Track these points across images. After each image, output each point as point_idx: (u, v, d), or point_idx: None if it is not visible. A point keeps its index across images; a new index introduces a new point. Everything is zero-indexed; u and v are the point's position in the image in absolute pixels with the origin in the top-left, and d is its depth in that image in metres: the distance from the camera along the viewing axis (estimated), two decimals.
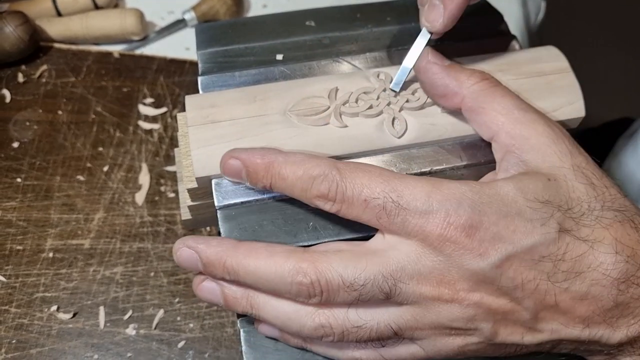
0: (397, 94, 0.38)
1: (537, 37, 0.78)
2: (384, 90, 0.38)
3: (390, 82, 0.38)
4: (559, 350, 0.33)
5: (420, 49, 0.37)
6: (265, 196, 0.36)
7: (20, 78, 0.62)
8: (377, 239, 0.33)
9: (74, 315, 0.49)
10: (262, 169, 0.33)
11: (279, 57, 0.41)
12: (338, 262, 0.31)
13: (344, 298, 0.31)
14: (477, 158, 0.38)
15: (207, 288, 0.35)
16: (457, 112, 0.38)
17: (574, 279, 0.31)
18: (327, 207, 0.32)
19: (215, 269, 0.33)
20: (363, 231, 0.34)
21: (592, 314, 0.31)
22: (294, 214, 0.35)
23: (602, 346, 0.32)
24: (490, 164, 0.37)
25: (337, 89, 0.38)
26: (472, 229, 0.30)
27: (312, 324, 0.32)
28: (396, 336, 0.32)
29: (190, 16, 0.67)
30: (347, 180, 0.32)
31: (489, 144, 0.38)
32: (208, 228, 0.53)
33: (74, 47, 0.65)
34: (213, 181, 0.36)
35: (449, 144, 0.38)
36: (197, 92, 0.40)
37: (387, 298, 0.31)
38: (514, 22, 0.71)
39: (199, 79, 0.41)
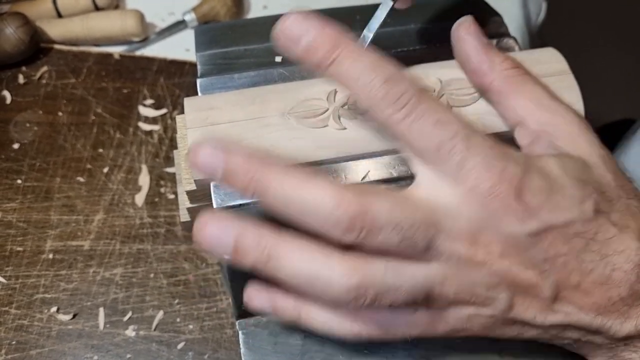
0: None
1: (537, 38, 0.78)
2: None
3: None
4: (561, 339, 0.33)
5: (382, 18, 0.37)
6: None
7: (21, 79, 0.63)
8: (424, 181, 0.31)
9: (74, 316, 0.50)
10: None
11: (278, 59, 0.42)
12: (384, 199, 0.29)
13: (384, 239, 0.29)
14: None
15: (216, 230, 0.30)
16: None
17: (599, 261, 0.31)
18: (401, 102, 0.30)
19: (238, 179, 0.29)
20: None
21: (608, 302, 0.31)
22: None
23: (608, 338, 0.32)
24: None
25: (335, 91, 0.38)
26: (521, 191, 0.30)
27: (345, 283, 0.29)
28: (425, 300, 0.31)
29: (190, 17, 0.67)
30: (424, 96, 0.30)
31: None
32: None
33: (74, 48, 0.65)
34: (212, 183, 0.36)
35: None
36: (197, 93, 0.40)
37: (426, 250, 0.30)
38: (514, 22, 0.71)
39: (198, 81, 0.41)
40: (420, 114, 0.30)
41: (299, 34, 0.31)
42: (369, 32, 0.38)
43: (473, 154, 0.30)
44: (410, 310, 0.31)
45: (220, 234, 0.29)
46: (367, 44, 0.38)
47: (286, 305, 0.33)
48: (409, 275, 0.30)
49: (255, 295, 0.34)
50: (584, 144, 0.34)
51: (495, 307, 0.31)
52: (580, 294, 0.31)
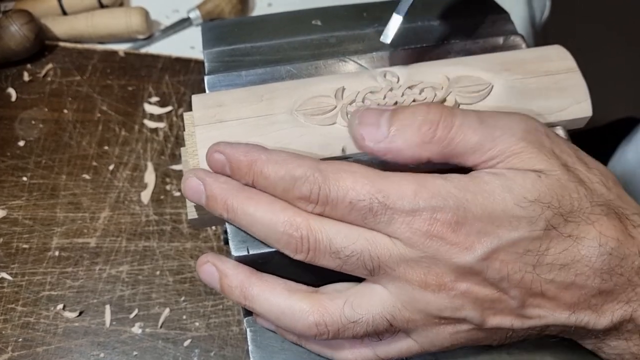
0: (388, 45, 0.38)
1: (542, 35, 0.77)
2: (391, 89, 0.38)
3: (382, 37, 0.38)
4: (550, 334, 0.34)
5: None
6: None
7: (26, 77, 0.63)
8: None
9: (80, 313, 0.50)
10: (244, 166, 0.33)
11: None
12: (330, 227, 0.32)
13: (328, 262, 0.32)
14: None
15: (207, 271, 0.35)
16: None
17: (558, 271, 0.31)
18: (309, 208, 0.32)
19: (217, 204, 0.34)
20: None
21: (578, 300, 0.32)
22: None
23: (590, 331, 0.33)
24: None
25: (343, 89, 0.38)
26: (457, 224, 0.31)
27: (305, 323, 0.33)
28: (392, 328, 0.33)
29: (195, 15, 0.67)
30: (330, 183, 0.32)
31: None
32: (214, 228, 0.53)
33: (79, 45, 0.65)
34: None
35: None
36: (202, 90, 0.40)
37: (371, 275, 0.32)
38: (519, 20, 0.71)
39: (205, 78, 0.41)
40: (333, 203, 0.32)
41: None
42: (401, 14, 0.37)
43: (398, 209, 0.31)
44: (388, 336, 0.33)
45: (209, 280, 0.35)
46: (396, 29, 0.38)
47: (291, 337, 0.36)
48: (365, 308, 0.32)
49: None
50: (540, 159, 0.32)
51: (470, 323, 0.32)
52: (546, 300, 0.32)
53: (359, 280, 0.34)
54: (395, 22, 0.38)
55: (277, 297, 0.33)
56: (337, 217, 0.32)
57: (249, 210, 0.33)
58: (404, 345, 0.34)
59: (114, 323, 0.49)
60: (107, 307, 0.50)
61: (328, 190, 0.31)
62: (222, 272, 0.34)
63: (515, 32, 0.44)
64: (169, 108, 0.61)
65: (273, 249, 0.34)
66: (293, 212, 0.32)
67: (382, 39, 0.38)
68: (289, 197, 0.33)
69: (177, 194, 0.56)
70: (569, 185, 0.32)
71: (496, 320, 0.32)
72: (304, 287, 0.34)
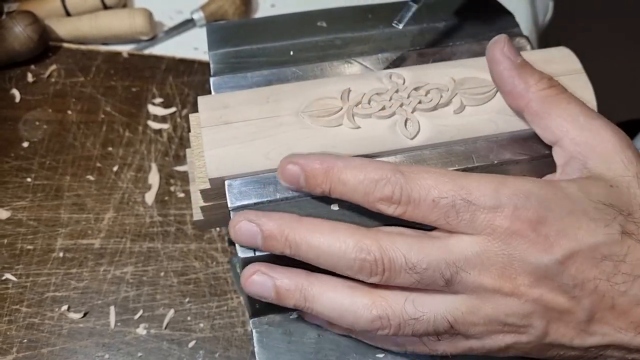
0: (398, 26, 0.38)
1: (544, 37, 0.77)
2: (397, 91, 0.38)
3: (397, 20, 0.39)
4: (603, 358, 0.33)
5: None
6: (277, 197, 0.36)
7: (30, 78, 0.63)
8: (441, 230, 0.33)
9: (85, 314, 0.50)
10: (321, 174, 0.33)
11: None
12: (402, 243, 0.31)
13: (405, 279, 0.31)
14: (489, 160, 0.38)
15: (257, 281, 0.34)
16: (467, 114, 0.38)
17: (632, 282, 0.31)
18: (390, 210, 0.32)
19: (277, 242, 0.33)
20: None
21: None
22: (307, 214, 0.35)
23: None
24: (501, 166, 0.37)
25: (349, 90, 0.38)
26: (539, 224, 0.31)
27: (369, 316, 0.32)
28: (451, 330, 0.32)
29: (198, 16, 0.67)
30: (412, 182, 0.32)
31: (500, 146, 0.38)
32: (218, 229, 0.53)
33: (83, 46, 0.65)
34: (226, 182, 0.36)
35: (460, 145, 0.38)
36: (206, 92, 0.40)
37: (447, 285, 0.31)
38: (522, 21, 0.70)
39: (211, 79, 0.41)
40: (415, 203, 0.32)
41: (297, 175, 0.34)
42: (415, 3, 0.38)
43: (480, 205, 0.31)
44: (447, 337, 0.33)
45: (261, 290, 0.34)
46: (410, 14, 0.38)
47: (317, 320, 0.36)
48: (428, 307, 0.32)
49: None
50: (617, 164, 0.33)
51: (531, 334, 0.32)
52: (615, 315, 0.31)
53: None
54: (410, 9, 0.38)
55: (339, 295, 0.33)
56: (419, 217, 0.32)
57: (314, 242, 0.32)
58: (453, 344, 0.33)
59: (118, 324, 0.49)
60: (112, 308, 0.50)
61: (410, 189, 0.31)
62: (276, 277, 0.34)
63: (520, 34, 0.44)
64: (173, 109, 0.61)
65: None
66: (361, 235, 0.32)
67: (394, 23, 0.38)
68: (369, 200, 0.32)
69: (181, 195, 0.56)
70: (638, 192, 0.33)
71: (559, 334, 0.32)
72: (362, 283, 0.33)
